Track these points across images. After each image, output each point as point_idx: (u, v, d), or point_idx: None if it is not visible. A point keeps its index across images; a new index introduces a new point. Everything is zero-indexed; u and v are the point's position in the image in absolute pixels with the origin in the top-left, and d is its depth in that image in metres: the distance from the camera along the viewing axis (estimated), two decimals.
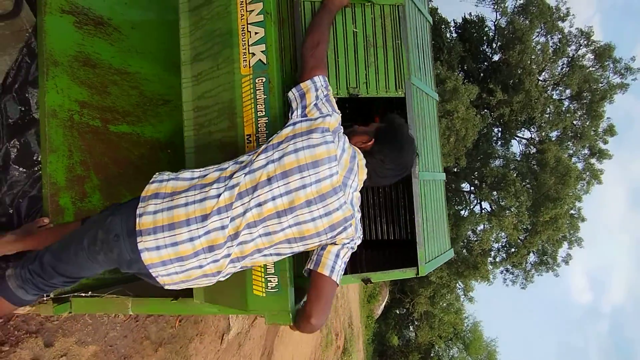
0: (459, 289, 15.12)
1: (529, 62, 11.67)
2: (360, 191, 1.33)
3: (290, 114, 1.26)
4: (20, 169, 1.68)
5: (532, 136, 13.22)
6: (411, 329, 18.37)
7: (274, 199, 1.14)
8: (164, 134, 2.07)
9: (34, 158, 1.71)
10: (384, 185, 1.39)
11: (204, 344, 3.06)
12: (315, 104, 1.24)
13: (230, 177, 1.16)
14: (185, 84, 1.46)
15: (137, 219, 1.13)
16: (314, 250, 1.27)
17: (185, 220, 1.12)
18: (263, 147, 1.20)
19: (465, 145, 10.47)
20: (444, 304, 15.82)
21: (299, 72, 1.38)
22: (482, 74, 13.03)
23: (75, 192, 1.67)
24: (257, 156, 1.18)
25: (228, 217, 1.13)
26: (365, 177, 1.30)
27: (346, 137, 1.27)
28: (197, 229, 1.12)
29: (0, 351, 1.61)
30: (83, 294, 1.59)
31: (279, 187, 1.14)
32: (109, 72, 1.83)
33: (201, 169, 1.23)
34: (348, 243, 1.26)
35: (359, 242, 1.32)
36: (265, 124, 1.31)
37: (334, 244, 1.25)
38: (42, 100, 1.59)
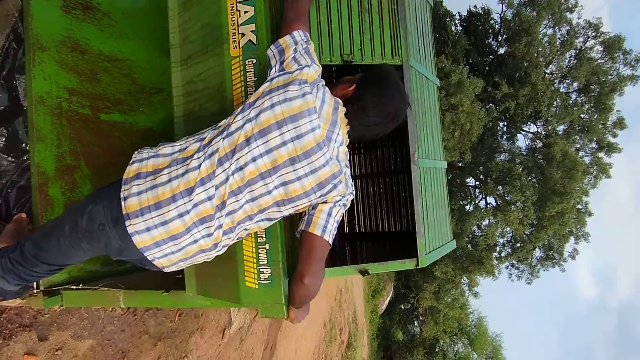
0: (464, 284, 15.04)
1: (535, 54, 11.49)
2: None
3: (268, 71, 1.19)
4: (9, 158, 1.64)
5: (539, 130, 13.07)
6: (416, 324, 18.34)
7: (254, 160, 1.08)
8: (157, 123, 2.02)
9: (23, 147, 1.67)
10: (371, 137, 1.29)
11: (205, 339, 3.03)
12: (294, 57, 1.16)
13: (209, 143, 1.11)
14: (175, 67, 1.42)
15: (123, 202, 1.09)
16: (305, 211, 1.21)
17: (171, 197, 1.07)
18: (240, 107, 1.14)
19: (470, 139, 10.35)
20: (449, 299, 15.76)
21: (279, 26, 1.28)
22: (487, 67, 12.86)
23: (65, 182, 1.63)
24: (235, 117, 1.11)
25: (212, 186, 1.08)
26: (348, 128, 1.21)
27: (327, 89, 1.18)
28: (185, 203, 1.07)
29: None
30: (74, 287, 1.56)
31: (258, 146, 1.08)
32: (99, 59, 1.77)
33: (181, 141, 1.18)
34: (339, 200, 1.19)
35: (351, 197, 1.24)
36: None
37: (325, 202, 1.18)
38: (29, 87, 1.54)
